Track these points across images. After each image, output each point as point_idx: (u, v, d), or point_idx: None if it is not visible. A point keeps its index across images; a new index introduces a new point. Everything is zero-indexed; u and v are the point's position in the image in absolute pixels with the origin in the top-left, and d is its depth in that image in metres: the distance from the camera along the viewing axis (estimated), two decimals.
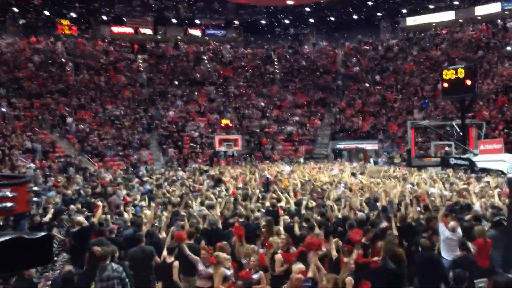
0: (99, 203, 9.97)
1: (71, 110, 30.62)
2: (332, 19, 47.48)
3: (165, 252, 7.36)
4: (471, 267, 6.60)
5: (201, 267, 6.76)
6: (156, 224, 8.98)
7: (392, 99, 34.32)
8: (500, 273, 6.08)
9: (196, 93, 36.97)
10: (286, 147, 31.48)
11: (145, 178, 17.90)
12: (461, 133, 19.12)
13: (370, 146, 29.98)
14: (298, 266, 6.46)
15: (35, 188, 12.57)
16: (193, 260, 6.93)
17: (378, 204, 10.00)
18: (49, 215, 10.20)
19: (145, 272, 7.30)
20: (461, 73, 18.75)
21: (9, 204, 2.63)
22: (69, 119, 29.36)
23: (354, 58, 42.06)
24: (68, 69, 35.20)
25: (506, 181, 6.93)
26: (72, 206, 10.97)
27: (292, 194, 12.12)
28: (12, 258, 2.42)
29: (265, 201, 11.10)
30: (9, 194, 2.65)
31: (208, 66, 41.17)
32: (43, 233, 2.56)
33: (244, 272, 6.62)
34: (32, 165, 20.30)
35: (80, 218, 8.82)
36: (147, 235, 7.96)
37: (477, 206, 9.83)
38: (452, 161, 15.86)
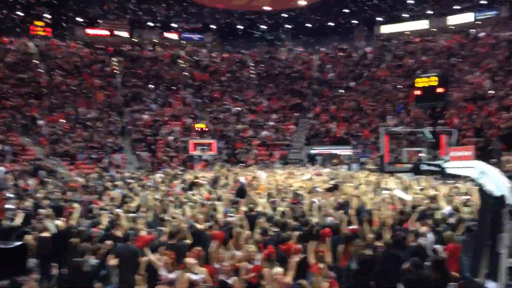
0: (75, 205, 9.92)
1: (43, 112, 30.04)
2: (308, 25, 47.94)
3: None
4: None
5: (162, 272, 6.69)
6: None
7: (366, 105, 34.76)
8: (468, 277, 6.22)
9: (171, 97, 36.72)
10: (260, 152, 31.50)
11: (118, 182, 17.63)
12: (432, 140, 19.46)
13: (343, 151, 30.24)
14: (277, 270, 6.45)
15: (9, 195, 12.28)
16: (155, 265, 6.87)
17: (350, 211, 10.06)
18: (19, 220, 9.93)
19: (130, 269, 7.31)
20: (433, 81, 19.06)
21: None
22: (41, 122, 28.79)
23: (329, 64, 42.46)
24: (41, 70, 34.55)
25: (478, 190, 7.11)
26: (42, 211, 10.69)
27: (265, 199, 12.13)
28: None
29: (239, 206, 11.10)
30: None
31: (184, 69, 40.97)
32: (17, 243, 2.48)
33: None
34: (2, 168, 19.81)
35: (59, 222, 8.84)
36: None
37: (446, 210, 10.03)
38: (423, 167, 16.11)
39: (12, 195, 13.40)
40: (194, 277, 6.48)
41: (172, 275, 6.62)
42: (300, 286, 6.08)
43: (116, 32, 44.30)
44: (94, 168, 25.09)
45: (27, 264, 6.69)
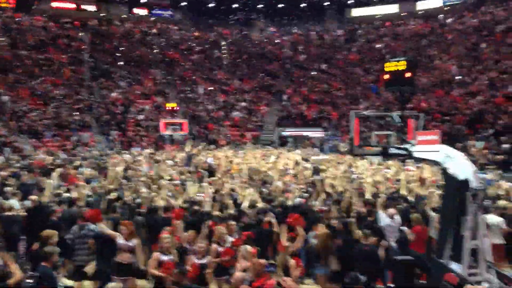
0: (48, 182, 9.85)
1: (7, 87, 29.05)
2: (281, 6, 47.61)
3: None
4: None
5: (120, 241, 6.72)
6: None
7: (336, 88, 35.03)
8: (434, 259, 6.45)
9: (141, 75, 36.06)
10: (232, 132, 31.43)
11: (87, 161, 17.32)
12: (400, 124, 19.80)
13: (315, 133, 30.50)
14: (249, 248, 6.58)
15: None
16: (111, 236, 6.87)
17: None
18: None
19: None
20: (402, 66, 19.36)
21: None
22: (5, 97, 27.86)
23: (301, 46, 42.43)
24: (4, 44, 33.33)
25: (441, 172, 7.33)
26: (8, 188, 10.45)
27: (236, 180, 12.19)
28: None
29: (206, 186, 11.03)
30: None
31: (154, 47, 40.22)
32: None
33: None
34: None
35: (33, 197, 8.78)
36: None
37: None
38: (391, 150, 16.36)
39: None
40: (163, 257, 6.55)
41: (131, 243, 6.67)
42: (274, 266, 6.18)
43: (82, 6, 42.91)
44: (62, 146, 24.59)
45: None
